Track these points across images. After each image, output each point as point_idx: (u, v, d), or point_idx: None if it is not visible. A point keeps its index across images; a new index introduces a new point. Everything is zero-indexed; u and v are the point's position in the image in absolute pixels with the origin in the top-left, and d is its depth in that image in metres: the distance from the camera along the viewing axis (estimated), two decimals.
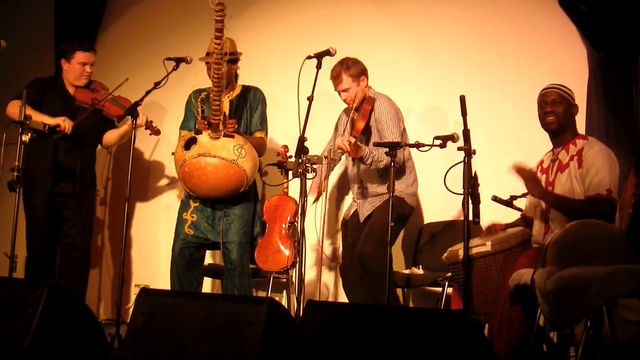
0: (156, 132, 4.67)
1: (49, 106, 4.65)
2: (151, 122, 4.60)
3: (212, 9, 3.77)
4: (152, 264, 5.66)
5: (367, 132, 4.28)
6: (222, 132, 4.18)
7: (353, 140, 3.99)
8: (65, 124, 4.48)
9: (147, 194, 5.88)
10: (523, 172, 3.41)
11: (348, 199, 4.97)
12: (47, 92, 4.76)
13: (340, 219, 4.97)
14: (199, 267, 4.50)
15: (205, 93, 4.48)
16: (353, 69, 4.23)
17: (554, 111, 3.47)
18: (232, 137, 4.20)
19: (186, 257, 4.35)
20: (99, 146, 5.03)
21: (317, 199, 4.48)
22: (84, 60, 4.76)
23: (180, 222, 4.41)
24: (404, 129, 4.36)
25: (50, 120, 4.45)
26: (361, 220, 4.35)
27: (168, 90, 5.15)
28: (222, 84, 4.04)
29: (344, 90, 4.27)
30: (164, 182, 5.77)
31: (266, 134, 4.52)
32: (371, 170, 4.29)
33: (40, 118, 4.43)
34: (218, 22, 3.82)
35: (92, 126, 4.80)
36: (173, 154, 4.40)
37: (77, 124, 4.54)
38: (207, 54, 4.33)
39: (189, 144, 4.23)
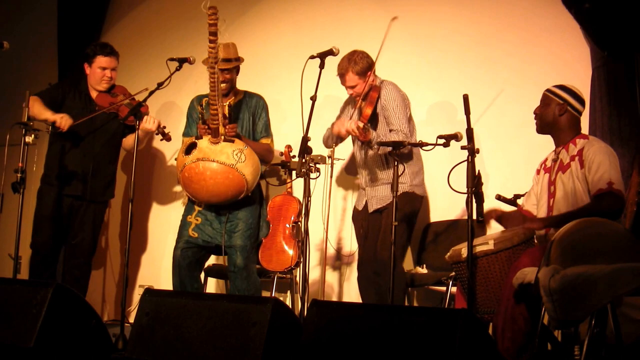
0: (168, 138, 4.60)
1: (70, 108, 4.67)
2: (164, 127, 4.55)
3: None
4: (156, 265, 5.67)
5: (374, 119, 4.27)
6: (222, 137, 4.17)
7: (361, 124, 4.00)
8: (62, 121, 4.48)
9: (154, 195, 5.89)
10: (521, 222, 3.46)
11: (352, 198, 4.97)
12: (69, 94, 4.79)
13: (346, 217, 4.98)
14: (201, 268, 4.50)
15: (206, 99, 4.49)
16: (360, 65, 4.22)
17: (536, 113, 3.60)
18: (232, 141, 4.19)
19: (189, 256, 4.34)
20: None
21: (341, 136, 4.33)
22: (104, 65, 4.76)
23: (184, 224, 4.41)
24: (411, 115, 4.36)
25: (50, 116, 4.50)
26: (370, 211, 4.35)
27: (185, 91, 5.15)
28: (218, 88, 4.03)
29: (351, 87, 4.27)
30: (177, 187, 5.78)
31: (272, 141, 4.53)
32: (379, 156, 4.30)
33: (43, 113, 4.51)
34: (211, 25, 3.75)
35: (107, 130, 4.81)
36: (176, 159, 4.40)
37: (76, 124, 4.52)
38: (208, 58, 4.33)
39: (190, 148, 4.22)
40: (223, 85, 4.25)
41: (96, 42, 5.07)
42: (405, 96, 4.32)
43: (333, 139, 4.39)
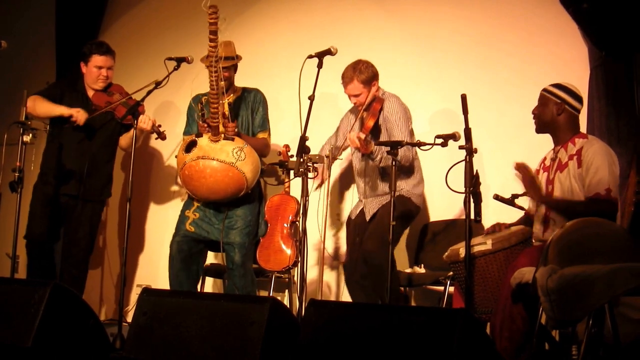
0: (163, 137, 4.61)
1: (68, 107, 4.67)
2: (159, 126, 4.56)
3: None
4: (154, 264, 5.66)
5: (376, 131, 4.27)
6: (222, 135, 4.17)
7: (363, 136, 4.01)
8: (78, 115, 4.54)
9: (152, 195, 5.88)
10: (524, 175, 3.42)
11: (350, 197, 4.97)
12: (66, 93, 4.80)
13: (343, 217, 4.98)
14: (198, 263, 4.48)
15: (206, 97, 4.48)
16: (365, 74, 4.22)
17: (534, 113, 3.61)
18: (232, 139, 4.19)
19: (185, 250, 4.35)
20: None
21: (320, 185, 4.42)
22: (100, 64, 4.76)
23: (182, 219, 4.42)
24: (412, 130, 4.36)
25: (65, 111, 4.56)
26: (367, 219, 4.34)
27: (183, 90, 5.15)
28: (219, 86, 4.03)
29: (355, 95, 4.27)
30: (175, 187, 5.77)
31: (269, 135, 4.53)
32: (378, 168, 4.29)
33: (57, 109, 4.58)
34: (212, 24, 3.75)
35: (105, 129, 4.81)
36: (176, 157, 4.41)
37: (90, 119, 4.58)
38: (208, 57, 4.32)
39: (190, 146, 4.23)
40: (222, 83, 4.26)
41: (92, 40, 5.06)
42: (407, 109, 4.32)
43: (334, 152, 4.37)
